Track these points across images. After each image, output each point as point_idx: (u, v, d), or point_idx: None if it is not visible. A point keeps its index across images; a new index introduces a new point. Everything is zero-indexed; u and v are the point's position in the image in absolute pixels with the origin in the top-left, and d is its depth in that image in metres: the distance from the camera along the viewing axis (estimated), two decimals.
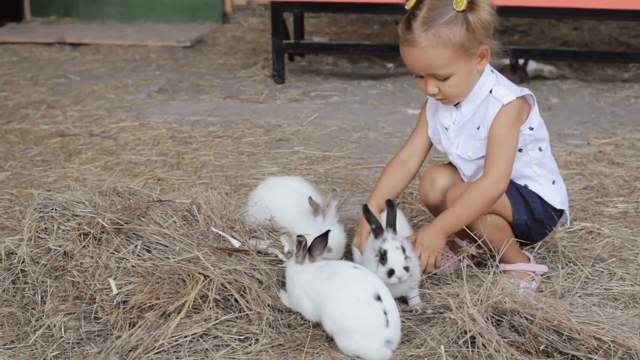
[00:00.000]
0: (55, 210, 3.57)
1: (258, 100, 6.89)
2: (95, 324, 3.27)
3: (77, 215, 3.53)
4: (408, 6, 3.41)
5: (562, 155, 5.29)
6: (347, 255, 3.76)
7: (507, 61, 7.26)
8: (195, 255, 3.33)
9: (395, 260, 3.30)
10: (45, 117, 6.41)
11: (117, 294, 3.24)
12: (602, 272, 3.71)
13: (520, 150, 3.52)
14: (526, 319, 3.01)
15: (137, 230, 3.43)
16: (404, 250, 3.32)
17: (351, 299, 3.03)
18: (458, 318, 3.04)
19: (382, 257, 3.30)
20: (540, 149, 3.58)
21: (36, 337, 3.25)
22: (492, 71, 3.53)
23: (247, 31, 9.98)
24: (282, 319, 3.29)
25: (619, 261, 3.81)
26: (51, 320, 3.28)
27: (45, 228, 3.54)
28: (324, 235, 3.30)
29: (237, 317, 3.22)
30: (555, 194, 3.62)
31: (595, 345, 2.93)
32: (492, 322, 3.04)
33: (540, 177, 3.60)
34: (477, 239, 3.42)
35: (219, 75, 7.80)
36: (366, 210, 3.40)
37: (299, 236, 3.28)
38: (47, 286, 3.40)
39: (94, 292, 3.28)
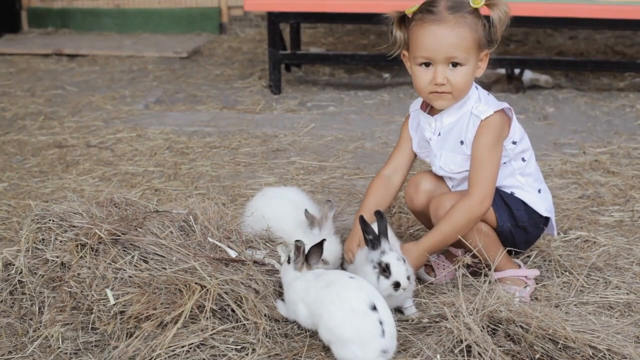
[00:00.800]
0: (53, 221, 3.58)
1: (255, 110, 6.91)
2: (93, 335, 3.27)
3: (74, 226, 3.54)
4: (409, 11, 3.47)
5: (558, 164, 5.31)
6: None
7: (503, 71, 7.29)
8: (192, 266, 3.34)
9: (399, 272, 3.31)
10: (43, 128, 6.43)
11: (114, 305, 3.25)
12: (597, 280, 3.72)
13: (504, 163, 3.57)
14: (522, 327, 3.03)
15: (134, 241, 3.44)
16: (404, 261, 3.35)
17: (347, 309, 3.04)
18: (454, 327, 3.05)
19: (385, 270, 3.31)
20: (523, 159, 3.63)
21: (34, 348, 3.25)
22: (476, 87, 3.58)
23: (243, 42, 10.01)
24: (278, 328, 3.29)
25: (615, 270, 3.83)
26: (49, 330, 3.28)
27: (43, 239, 3.55)
28: (320, 245, 3.32)
29: (234, 327, 3.22)
30: (541, 202, 3.65)
31: (591, 354, 2.94)
32: (487, 331, 3.05)
33: (525, 185, 3.64)
34: (472, 248, 3.45)
35: (216, 86, 7.82)
36: (362, 221, 3.41)
37: (297, 241, 3.30)
38: (44, 297, 3.41)
39: (92, 302, 3.29)
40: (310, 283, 3.22)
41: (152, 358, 3.08)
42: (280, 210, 3.84)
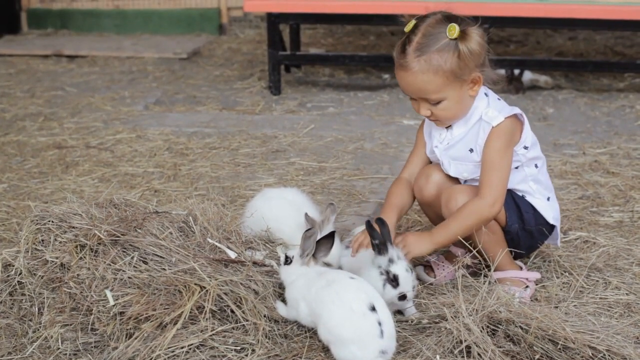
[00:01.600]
0: (52, 222, 3.58)
1: (254, 111, 6.91)
2: (92, 336, 3.27)
3: (74, 227, 3.54)
4: (407, 29, 3.47)
5: (558, 165, 5.31)
6: None
7: (502, 72, 7.29)
8: (191, 267, 3.34)
9: (407, 284, 3.34)
10: (42, 129, 6.43)
11: (113, 305, 3.25)
12: (597, 281, 3.72)
13: (516, 167, 3.57)
14: (521, 328, 3.03)
15: (134, 242, 3.44)
16: (411, 271, 3.36)
17: (346, 309, 3.04)
18: (453, 328, 3.05)
19: (393, 280, 3.33)
20: (536, 166, 3.64)
21: (33, 349, 3.25)
22: (485, 94, 3.57)
23: (243, 43, 10.01)
24: (278, 329, 3.29)
25: (614, 270, 3.83)
26: (48, 331, 3.28)
27: (42, 240, 3.55)
28: (330, 236, 3.33)
29: (233, 328, 3.22)
30: (549, 210, 3.66)
31: (590, 354, 2.94)
32: (487, 332, 3.05)
33: (536, 192, 3.65)
34: (472, 249, 3.45)
35: (216, 87, 7.83)
36: (369, 225, 3.41)
37: (307, 230, 3.30)
38: (44, 298, 3.41)
39: (91, 303, 3.29)
40: (312, 281, 3.23)
41: (151, 359, 3.08)
42: (280, 211, 3.84)
